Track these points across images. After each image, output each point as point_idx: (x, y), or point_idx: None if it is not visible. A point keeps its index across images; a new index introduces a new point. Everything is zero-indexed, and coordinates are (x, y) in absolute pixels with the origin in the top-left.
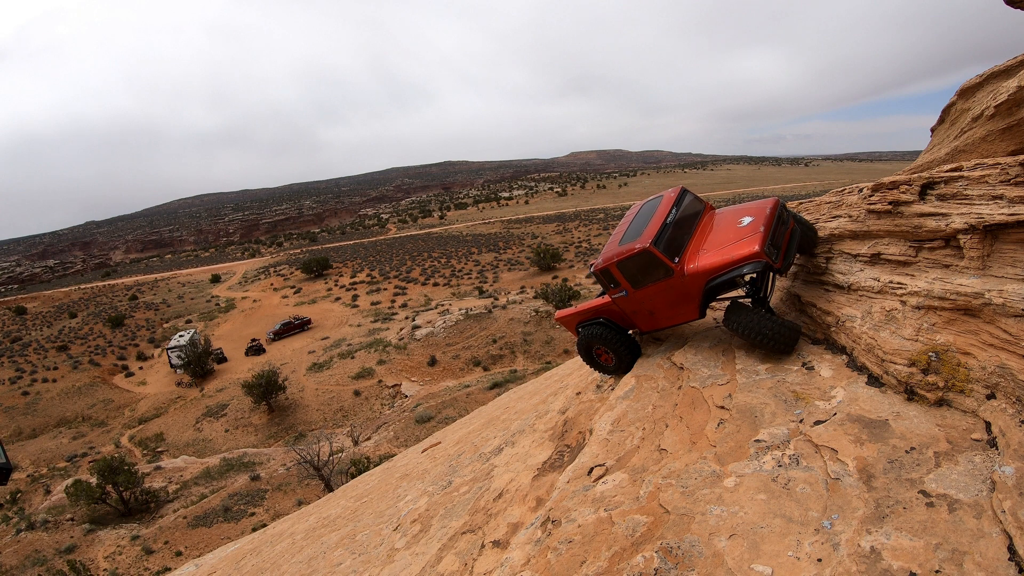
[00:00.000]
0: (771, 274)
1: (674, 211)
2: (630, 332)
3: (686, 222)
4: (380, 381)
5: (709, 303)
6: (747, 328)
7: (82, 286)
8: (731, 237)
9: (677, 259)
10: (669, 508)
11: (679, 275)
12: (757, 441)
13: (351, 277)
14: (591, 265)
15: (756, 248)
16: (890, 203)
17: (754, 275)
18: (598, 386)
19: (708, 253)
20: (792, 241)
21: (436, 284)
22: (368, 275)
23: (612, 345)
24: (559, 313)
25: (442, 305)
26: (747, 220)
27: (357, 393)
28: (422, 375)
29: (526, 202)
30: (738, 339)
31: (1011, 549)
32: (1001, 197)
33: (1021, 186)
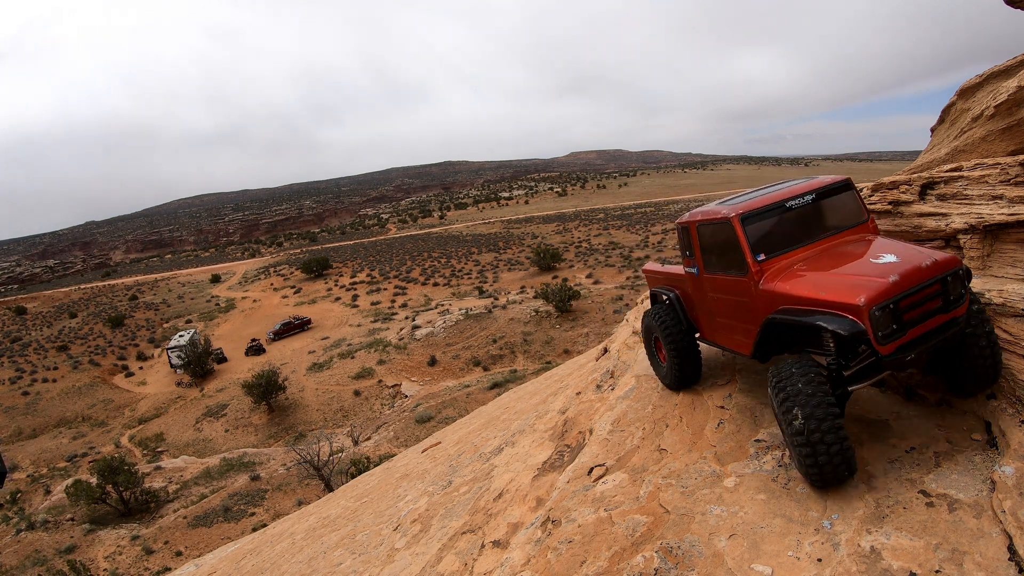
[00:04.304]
0: (873, 358)
1: (808, 199)
2: (697, 336)
3: (818, 221)
4: (380, 381)
5: (774, 347)
6: (784, 404)
7: (82, 286)
8: (850, 270)
9: (763, 257)
10: (669, 508)
11: (753, 280)
12: (757, 441)
13: (351, 277)
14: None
15: (859, 300)
16: (890, 203)
17: (841, 339)
18: (598, 386)
19: (805, 275)
20: (939, 333)
21: (436, 284)
22: (368, 275)
23: (665, 335)
24: (647, 266)
25: (442, 305)
26: (888, 259)
27: (357, 393)
28: (422, 375)
29: (526, 202)
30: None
31: (1011, 549)
32: (1001, 197)
33: (1021, 186)
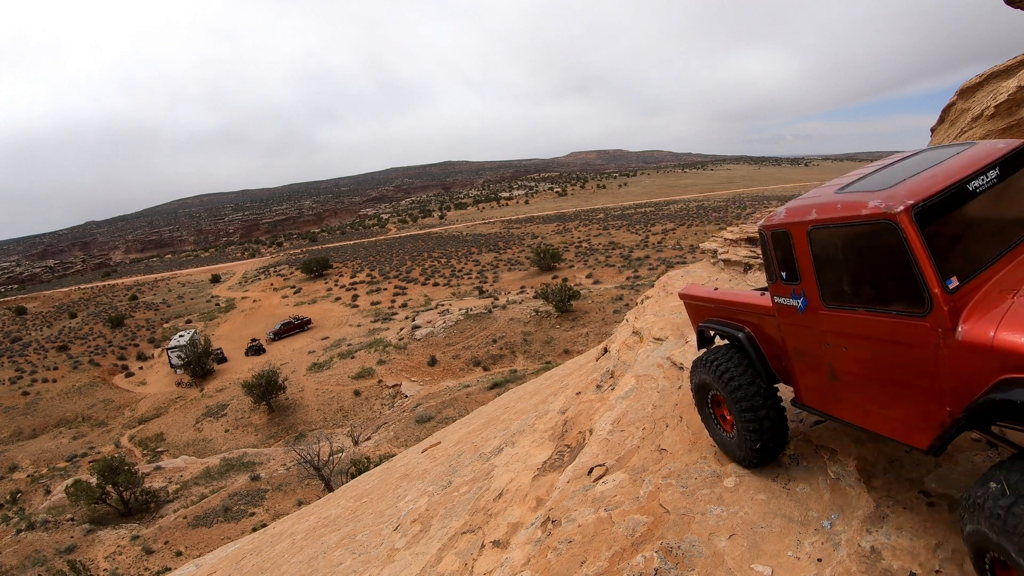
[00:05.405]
0: None
1: (993, 175)
2: (792, 400)
3: (1008, 211)
4: (380, 381)
5: (963, 429)
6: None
7: (82, 286)
8: None
9: (956, 284)
10: (669, 508)
11: (942, 322)
12: None
13: (351, 277)
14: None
15: None
16: None
17: None
18: (598, 386)
19: None
20: None
21: (436, 284)
22: (368, 275)
23: (734, 396)
24: (686, 289)
25: (442, 305)
26: None
27: (357, 393)
28: (422, 375)
29: (526, 202)
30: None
31: None
32: None
33: None
